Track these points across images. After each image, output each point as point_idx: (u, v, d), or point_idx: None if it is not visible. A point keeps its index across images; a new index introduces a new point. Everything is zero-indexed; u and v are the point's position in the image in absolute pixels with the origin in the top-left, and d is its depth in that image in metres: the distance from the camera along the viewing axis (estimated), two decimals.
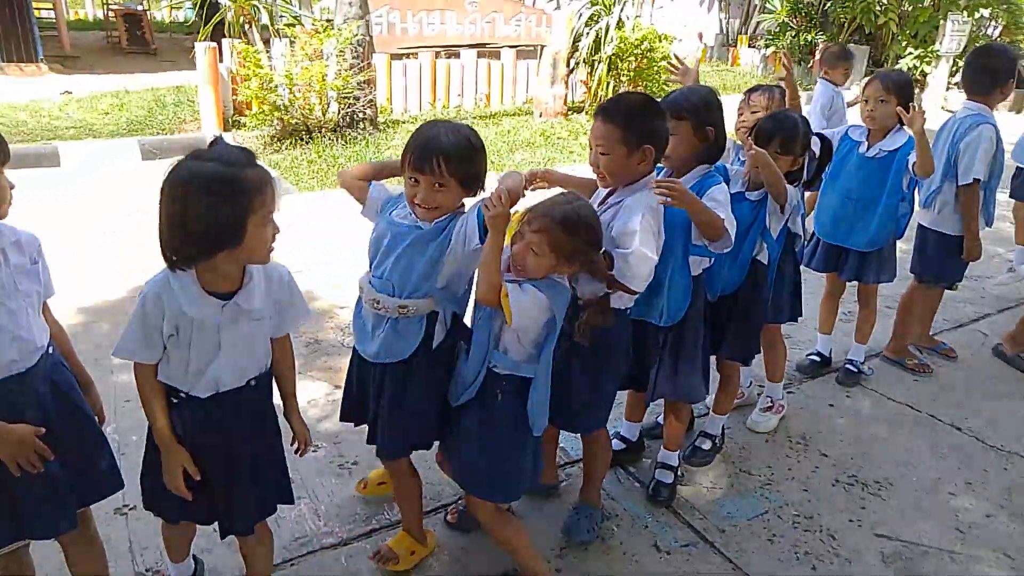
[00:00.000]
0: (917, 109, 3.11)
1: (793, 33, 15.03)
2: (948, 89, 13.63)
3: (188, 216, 1.56)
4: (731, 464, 3.03)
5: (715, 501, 2.80)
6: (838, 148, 3.48)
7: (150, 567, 2.33)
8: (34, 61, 11.33)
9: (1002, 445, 3.25)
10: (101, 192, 6.14)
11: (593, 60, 9.87)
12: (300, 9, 11.03)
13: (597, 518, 2.59)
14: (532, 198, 2.15)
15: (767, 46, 15.36)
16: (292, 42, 7.69)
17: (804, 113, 3.25)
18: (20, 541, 1.79)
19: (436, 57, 9.58)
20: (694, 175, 2.42)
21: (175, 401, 1.77)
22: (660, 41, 9.79)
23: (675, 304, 2.39)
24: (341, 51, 7.52)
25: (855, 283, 3.64)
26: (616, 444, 2.92)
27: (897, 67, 13.52)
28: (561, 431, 2.62)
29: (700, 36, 17.30)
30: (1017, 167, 4.81)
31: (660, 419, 2.99)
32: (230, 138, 7.83)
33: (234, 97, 8.27)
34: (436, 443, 2.32)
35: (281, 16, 9.87)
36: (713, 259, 2.49)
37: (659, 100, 2.33)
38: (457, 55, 9.88)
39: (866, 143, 3.39)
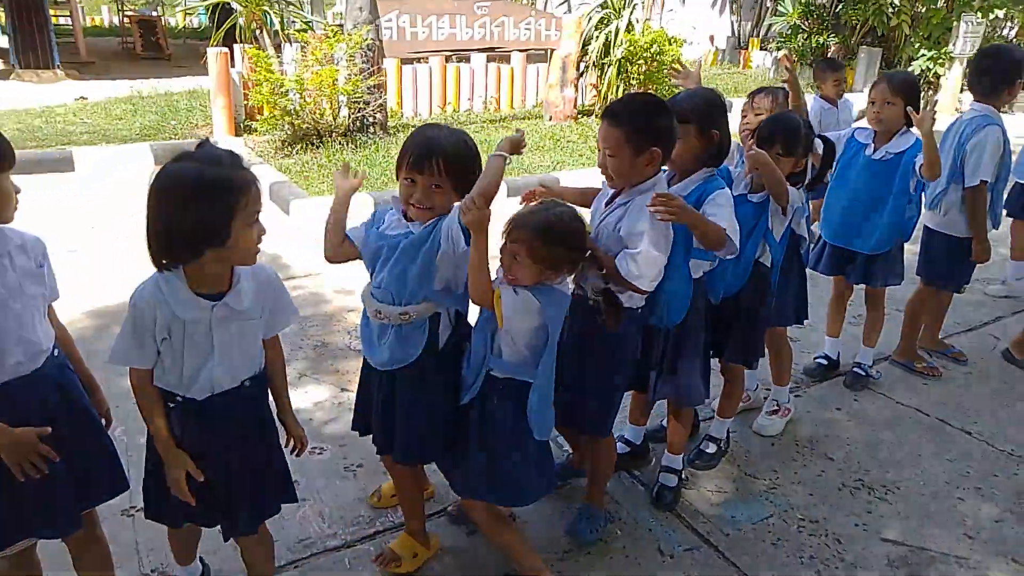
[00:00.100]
0: (929, 109, 3.08)
1: (805, 35, 14.96)
2: (962, 91, 13.50)
3: (174, 217, 1.59)
4: (736, 468, 3.02)
5: (720, 505, 2.79)
6: (844, 151, 3.47)
7: (156, 568, 2.36)
8: (51, 67, 11.49)
9: (1012, 449, 3.22)
10: (114, 197, 6.21)
11: (603, 63, 9.87)
12: (312, 14, 11.12)
13: (600, 520, 2.59)
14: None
15: (778, 48, 15.30)
16: (303, 47, 7.73)
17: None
18: (25, 541, 1.81)
19: (446, 61, 9.62)
20: (697, 178, 2.42)
21: (172, 405, 1.79)
22: (670, 44, 9.78)
23: (675, 306, 2.39)
24: (351, 56, 7.56)
25: (863, 286, 3.63)
26: (620, 448, 2.92)
27: (909, 69, 13.44)
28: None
29: (712, 39, 17.30)
30: (1017, 183, 4.66)
31: (664, 422, 2.99)
32: (241, 143, 7.90)
33: (245, 102, 8.34)
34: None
35: (293, 21, 9.95)
36: (717, 261, 2.49)
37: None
38: (467, 59, 9.91)
39: (872, 145, 3.37)
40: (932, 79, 13.37)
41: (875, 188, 3.35)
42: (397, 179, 2.09)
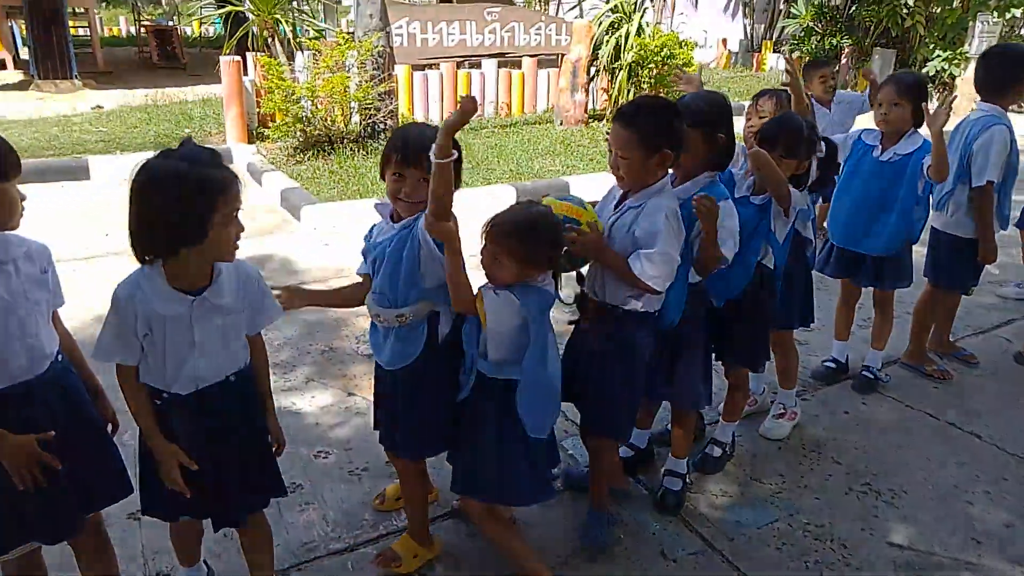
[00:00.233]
0: (944, 108, 3.05)
1: (818, 37, 14.90)
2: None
3: (153, 212, 1.64)
4: (742, 472, 3.00)
5: (724, 509, 2.78)
6: (851, 152, 3.45)
7: (161, 572, 2.38)
8: (68, 78, 11.66)
9: (1023, 453, 3.18)
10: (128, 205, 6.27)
11: (613, 67, 9.87)
12: (326, 22, 11.21)
13: (604, 522, 2.59)
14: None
15: (791, 51, 15.24)
16: (315, 55, 7.80)
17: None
18: (27, 545, 1.84)
19: (457, 67, 9.66)
20: (701, 181, 2.42)
21: (159, 403, 1.81)
22: (680, 48, 9.77)
23: (671, 307, 2.39)
24: (362, 63, 7.62)
25: (872, 289, 3.60)
26: (624, 451, 2.92)
27: (924, 70, 13.33)
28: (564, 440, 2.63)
29: (724, 42, 17.25)
30: None
31: (669, 426, 2.98)
32: (253, 150, 7.97)
33: (258, 109, 8.42)
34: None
35: (305, 30, 10.04)
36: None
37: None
38: (478, 64, 9.95)
39: (880, 147, 3.35)
40: (947, 80, 13.26)
41: (883, 190, 3.33)
42: (383, 178, 2.12)
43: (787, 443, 3.19)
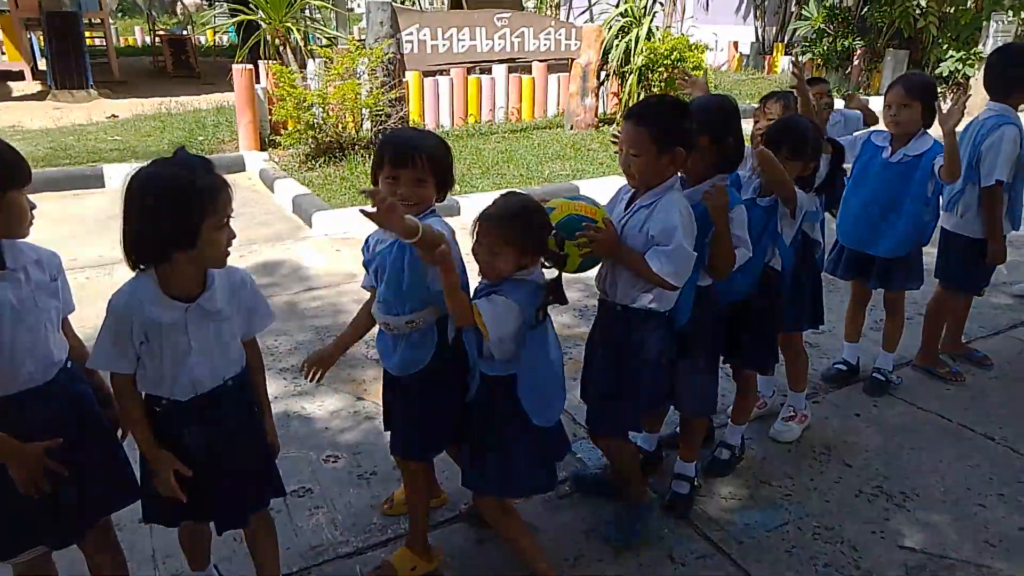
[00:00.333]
0: (958, 107, 3.02)
1: (830, 39, 14.82)
2: None
3: (145, 218, 1.67)
4: (751, 475, 2.99)
5: (733, 512, 2.77)
6: (861, 154, 3.44)
7: (174, 575, 2.40)
8: (84, 88, 11.79)
9: None
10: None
11: (623, 72, 9.88)
12: (338, 30, 11.28)
13: (645, 515, 2.61)
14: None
15: (803, 53, 15.17)
16: (327, 62, 7.86)
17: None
18: (34, 549, 1.86)
19: (467, 73, 9.69)
20: (708, 184, 2.42)
21: (158, 409, 1.83)
22: (690, 51, 9.76)
23: (679, 310, 2.39)
24: (373, 69, 7.67)
25: (882, 291, 3.58)
26: None
27: (937, 71, 13.23)
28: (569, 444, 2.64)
29: (735, 45, 17.21)
30: None
31: (678, 429, 2.97)
32: (265, 156, 8.04)
33: (270, 117, 8.48)
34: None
35: (318, 38, 10.11)
36: None
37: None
38: (488, 70, 9.98)
39: (890, 148, 3.33)
40: (961, 80, 13.15)
41: (892, 191, 3.31)
42: (375, 184, 2.12)
43: (797, 446, 3.18)
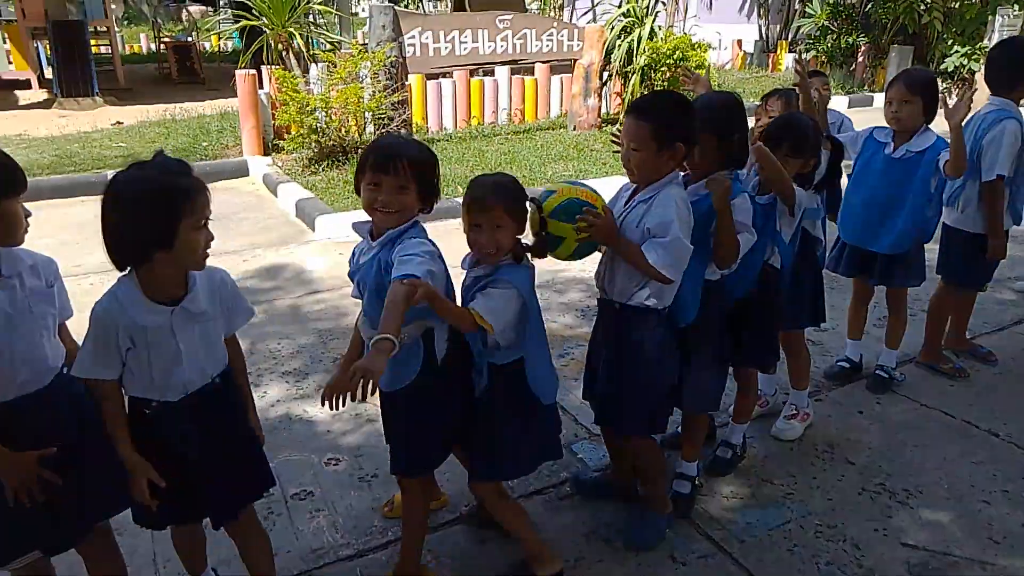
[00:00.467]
0: (964, 100, 3.00)
1: (834, 36, 14.77)
2: None
3: (125, 218, 1.68)
4: (753, 473, 2.97)
5: (735, 511, 2.76)
6: (862, 150, 3.43)
7: None
8: (90, 95, 11.88)
9: None
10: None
11: (626, 72, 9.87)
12: (342, 34, 11.31)
13: (662, 524, 2.60)
14: None
15: (807, 50, 15.12)
16: (329, 66, 7.88)
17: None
18: (31, 554, 1.87)
19: (470, 75, 9.70)
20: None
21: (147, 411, 1.83)
22: (693, 50, 9.74)
23: (685, 305, 2.39)
24: (375, 73, 7.69)
25: (885, 288, 3.56)
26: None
27: (942, 66, 13.16)
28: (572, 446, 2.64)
29: (739, 43, 17.17)
30: None
31: (679, 428, 2.97)
32: (269, 161, 8.06)
33: (274, 122, 8.51)
34: None
35: (321, 42, 10.15)
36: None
37: None
38: (490, 72, 9.99)
39: (892, 144, 3.32)
40: (967, 75, 13.07)
41: (894, 187, 3.30)
42: (358, 192, 2.09)
43: (799, 444, 3.16)
